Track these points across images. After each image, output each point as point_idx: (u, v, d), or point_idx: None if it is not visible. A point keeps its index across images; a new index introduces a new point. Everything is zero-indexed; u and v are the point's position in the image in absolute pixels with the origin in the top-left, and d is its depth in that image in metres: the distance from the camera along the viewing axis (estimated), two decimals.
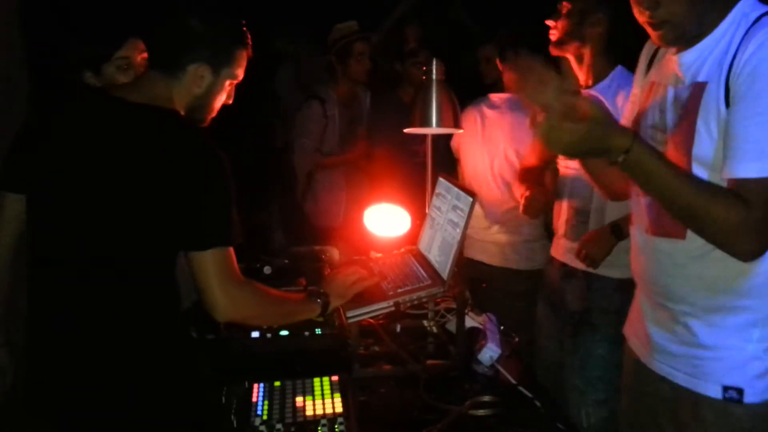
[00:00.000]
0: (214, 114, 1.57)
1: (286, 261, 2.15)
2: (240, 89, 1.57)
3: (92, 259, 1.38)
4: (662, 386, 1.47)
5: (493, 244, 2.83)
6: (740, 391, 1.34)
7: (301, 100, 3.59)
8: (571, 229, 2.26)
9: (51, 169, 1.41)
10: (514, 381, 1.70)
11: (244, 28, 1.53)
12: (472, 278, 2.35)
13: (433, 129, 2.15)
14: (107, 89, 1.57)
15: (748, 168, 1.22)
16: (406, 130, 2.25)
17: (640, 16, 1.38)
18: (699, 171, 1.31)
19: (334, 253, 2.35)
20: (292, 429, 1.41)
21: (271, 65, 4.21)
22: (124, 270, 1.38)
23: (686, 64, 1.38)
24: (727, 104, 1.26)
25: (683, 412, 1.42)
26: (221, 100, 1.55)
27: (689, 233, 1.35)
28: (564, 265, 2.30)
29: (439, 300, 1.94)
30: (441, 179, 2.04)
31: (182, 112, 1.48)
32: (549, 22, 2.12)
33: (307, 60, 4.19)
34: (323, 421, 1.43)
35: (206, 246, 1.36)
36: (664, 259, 1.43)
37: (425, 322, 1.95)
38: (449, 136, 2.96)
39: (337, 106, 3.49)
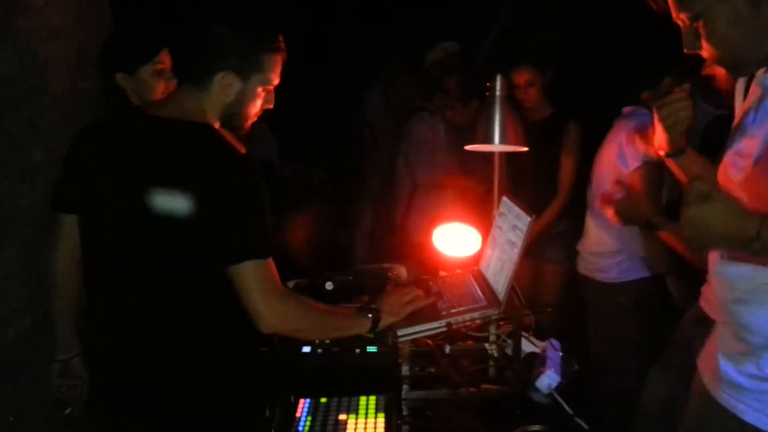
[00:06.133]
0: (252, 120, 1.55)
1: (351, 277, 2.14)
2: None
3: (141, 273, 1.43)
4: (729, 422, 1.35)
5: None
6: None
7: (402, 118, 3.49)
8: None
9: (97, 190, 1.47)
10: (571, 411, 1.60)
11: (274, 31, 1.49)
12: None
13: (496, 146, 2.09)
14: (142, 107, 1.61)
15: None
16: (467, 147, 2.20)
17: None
18: None
19: (402, 271, 2.32)
20: None
21: (360, 90, 4.22)
22: (170, 282, 1.43)
23: None
24: None
25: None
26: (256, 106, 1.53)
27: None
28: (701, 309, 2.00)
29: (502, 323, 1.87)
30: (504, 198, 1.98)
31: (217, 122, 1.49)
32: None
33: (399, 81, 4.10)
34: None
35: (242, 259, 1.38)
36: (740, 286, 1.32)
37: (487, 345, 1.89)
38: None
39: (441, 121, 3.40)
